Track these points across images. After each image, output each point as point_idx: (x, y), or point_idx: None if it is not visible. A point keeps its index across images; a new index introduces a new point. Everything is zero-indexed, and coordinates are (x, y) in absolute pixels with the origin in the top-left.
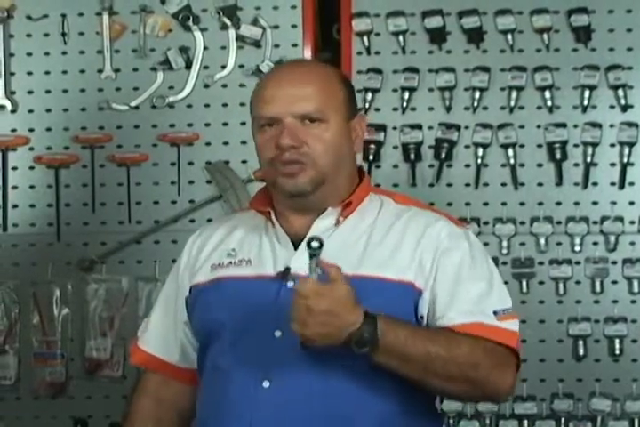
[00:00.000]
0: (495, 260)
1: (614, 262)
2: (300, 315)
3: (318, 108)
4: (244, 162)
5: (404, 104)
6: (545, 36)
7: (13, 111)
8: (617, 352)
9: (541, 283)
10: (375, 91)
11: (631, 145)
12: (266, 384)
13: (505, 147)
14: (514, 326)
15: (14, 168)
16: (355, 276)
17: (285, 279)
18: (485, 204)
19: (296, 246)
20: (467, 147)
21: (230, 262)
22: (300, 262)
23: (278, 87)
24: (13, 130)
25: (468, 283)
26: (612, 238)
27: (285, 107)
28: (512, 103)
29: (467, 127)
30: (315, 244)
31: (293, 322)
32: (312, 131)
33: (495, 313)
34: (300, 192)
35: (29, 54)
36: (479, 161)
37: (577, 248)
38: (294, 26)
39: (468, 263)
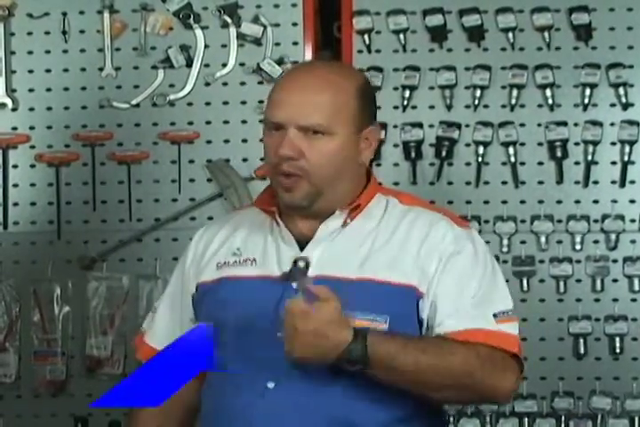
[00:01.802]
0: (496, 258)
1: (615, 261)
2: (288, 335)
3: (323, 122)
4: (244, 160)
5: (405, 102)
6: (546, 34)
7: (14, 109)
8: (617, 351)
9: (542, 281)
10: (376, 89)
11: (632, 143)
12: (270, 385)
13: (505, 145)
14: (512, 329)
15: (15, 166)
16: (358, 279)
17: (290, 280)
18: (486, 202)
19: (302, 247)
20: (467, 145)
21: (235, 262)
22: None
23: (288, 92)
24: (14, 128)
25: (469, 286)
26: (613, 237)
27: (291, 116)
28: (513, 101)
29: (467, 125)
30: (301, 264)
31: (284, 342)
32: (314, 143)
33: (495, 316)
34: (297, 206)
35: (30, 52)
36: (480, 159)
37: (577, 246)
38: (295, 24)
39: (471, 267)
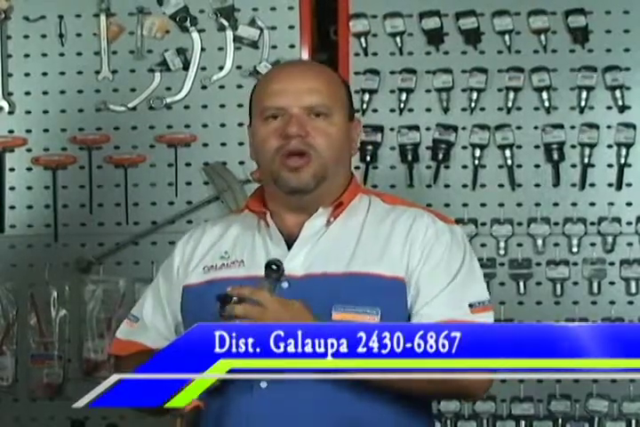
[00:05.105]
0: (492, 261)
1: (612, 263)
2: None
3: (325, 103)
4: (241, 163)
5: (402, 105)
6: (542, 36)
7: (11, 112)
8: None
9: (539, 284)
10: (372, 92)
11: (628, 146)
12: (263, 385)
13: (502, 148)
14: (487, 318)
15: (12, 169)
16: (348, 273)
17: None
18: (483, 205)
19: (289, 245)
20: (464, 148)
21: (223, 264)
22: (293, 262)
23: (287, 81)
24: (11, 131)
25: (446, 275)
26: (610, 239)
27: (293, 98)
28: (509, 104)
29: (464, 128)
30: (274, 267)
31: None
32: (317, 124)
33: (471, 306)
34: (303, 188)
35: (27, 55)
36: (476, 162)
37: (574, 249)
38: (292, 27)
39: (449, 257)
